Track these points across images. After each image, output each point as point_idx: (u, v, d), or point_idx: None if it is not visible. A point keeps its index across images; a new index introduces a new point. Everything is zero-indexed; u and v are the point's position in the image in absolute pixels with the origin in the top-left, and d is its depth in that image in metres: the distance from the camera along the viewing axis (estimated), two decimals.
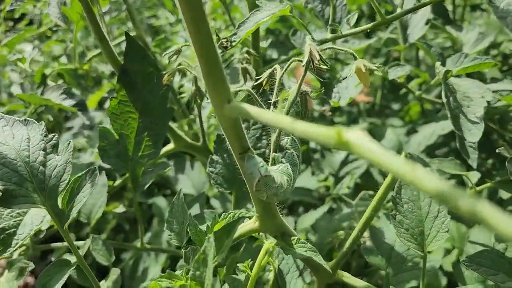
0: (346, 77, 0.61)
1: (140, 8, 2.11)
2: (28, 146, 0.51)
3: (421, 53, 1.54)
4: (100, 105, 1.57)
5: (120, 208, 0.93)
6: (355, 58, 0.50)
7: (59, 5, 1.12)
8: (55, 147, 0.53)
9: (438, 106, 1.49)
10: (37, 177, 0.50)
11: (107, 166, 0.76)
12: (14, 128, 0.53)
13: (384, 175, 1.37)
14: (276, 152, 0.53)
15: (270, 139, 0.65)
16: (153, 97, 0.75)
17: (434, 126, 1.13)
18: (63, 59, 1.72)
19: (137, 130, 0.75)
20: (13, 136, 0.52)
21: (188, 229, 0.50)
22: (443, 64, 0.82)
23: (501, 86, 0.93)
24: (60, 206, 0.51)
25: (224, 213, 0.51)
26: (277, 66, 0.57)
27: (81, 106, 0.97)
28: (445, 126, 1.09)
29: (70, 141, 0.53)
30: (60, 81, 1.23)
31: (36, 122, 0.54)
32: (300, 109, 0.53)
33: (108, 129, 0.75)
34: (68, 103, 0.95)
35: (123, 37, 1.50)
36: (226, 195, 1.32)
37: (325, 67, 0.49)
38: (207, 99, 0.78)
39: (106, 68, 1.57)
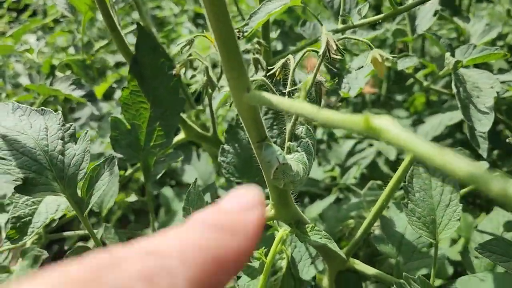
0: (361, 67, 0.61)
1: None
2: (46, 135, 0.52)
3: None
4: (104, 96, 1.57)
5: (132, 197, 0.93)
6: (371, 48, 0.50)
7: None
8: (72, 136, 0.53)
9: (443, 97, 1.49)
10: (56, 165, 0.51)
11: (118, 155, 0.76)
12: (31, 118, 0.53)
13: (389, 165, 1.38)
14: (291, 141, 0.53)
15: (281, 129, 0.65)
16: (164, 87, 0.75)
17: (441, 116, 1.13)
18: (69, 50, 1.73)
19: (149, 120, 0.75)
20: (31, 125, 0.52)
21: None
22: (452, 55, 0.83)
23: (508, 77, 0.93)
24: (79, 194, 0.52)
25: None
26: (290, 56, 0.58)
27: (90, 97, 0.97)
28: (452, 117, 1.10)
29: (87, 131, 0.53)
30: (68, 72, 1.24)
31: (53, 112, 0.54)
32: (315, 99, 0.54)
33: (120, 119, 0.76)
34: (77, 93, 0.96)
35: (129, 29, 1.51)
36: (233, 185, 1.33)
37: (339, 57, 0.50)
38: (218, 89, 0.79)
39: (112, 59, 1.57)
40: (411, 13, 0.97)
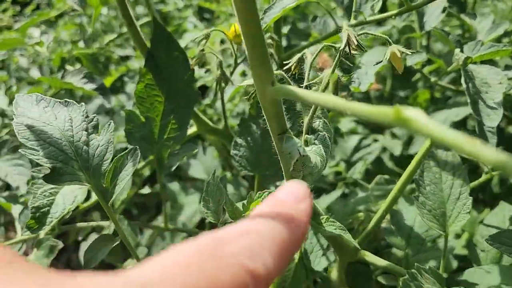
0: (380, 62, 0.62)
1: None
2: (71, 126, 0.53)
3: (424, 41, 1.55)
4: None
5: (146, 189, 0.95)
6: (390, 44, 0.51)
7: None
8: (96, 127, 0.54)
9: (447, 94, 1.50)
10: (81, 156, 0.52)
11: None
12: (55, 109, 0.54)
13: (394, 161, 1.39)
14: (308, 134, 0.55)
15: (294, 123, 0.66)
16: (179, 81, 0.76)
17: (447, 112, 1.15)
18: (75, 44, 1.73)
19: (163, 114, 0.77)
20: (56, 117, 0.53)
21: (224, 207, 0.53)
22: (461, 52, 0.84)
23: None
24: (103, 184, 0.54)
25: (259, 192, 0.53)
26: (306, 51, 0.59)
27: (102, 90, 0.98)
28: (458, 113, 1.11)
29: (110, 122, 0.55)
30: (77, 65, 1.25)
31: (76, 104, 0.56)
32: (332, 93, 0.55)
33: (134, 112, 0.77)
34: (89, 86, 0.97)
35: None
36: (239, 180, 1.34)
37: (358, 52, 0.51)
38: (231, 83, 0.80)
39: (117, 53, 1.58)
40: (419, 9, 0.98)
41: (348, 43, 0.49)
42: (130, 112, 0.77)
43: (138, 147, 0.59)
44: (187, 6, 2.06)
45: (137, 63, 1.56)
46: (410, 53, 0.50)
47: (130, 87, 1.44)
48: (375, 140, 1.39)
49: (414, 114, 0.28)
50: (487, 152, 0.24)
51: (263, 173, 0.78)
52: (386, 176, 0.97)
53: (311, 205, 0.32)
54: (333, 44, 0.54)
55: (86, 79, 0.98)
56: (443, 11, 0.95)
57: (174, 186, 1.43)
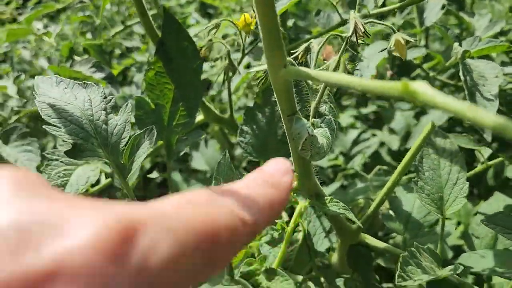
0: (384, 49, 0.65)
1: None
2: (91, 106, 0.56)
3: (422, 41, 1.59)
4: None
5: (154, 174, 0.98)
6: (394, 32, 0.54)
7: None
8: (113, 108, 0.57)
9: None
10: (100, 134, 0.55)
11: None
12: (74, 90, 0.57)
13: (392, 155, 1.43)
14: (315, 118, 0.58)
15: (302, 107, 0.69)
16: (188, 69, 0.79)
17: None
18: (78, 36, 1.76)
19: (172, 101, 0.79)
20: (75, 97, 0.56)
21: None
22: (460, 46, 0.87)
23: (511, 69, 0.98)
24: (121, 161, 0.56)
25: None
26: (313, 40, 0.62)
27: (110, 79, 1.01)
28: None
29: (128, 103, 0.58)
30: (85, 56, 1.27)
31: (95, 85, 0.58)
32: None
33: (144, 99, 0.79)
34: (98, 76, 0.99)
35: (137, 19, 1.54)
36: (241, 171, 1.37)
37: (363, 41, 0.54)
38: (239, 73, 0.83)
39: (128, 44, 1.61)
40: (419, 5, 1.02)
41: (355, 30, 0.52)
42: (140, 99, 0.79)
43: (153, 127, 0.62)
44: (190, 2, 2.09)
45: (141, 57, 1.59)
46: (413, 41, 0.53)
47: (138, 77, 1.47)
48: (374, 135, 1.42)
49: (421, 87, 0.31)
50: (487, 117, 0.27)
51: (268, 159, 0.81)
52: (385, 167, 1.00)
53: (293, 178, 0.38)
54: (339, 34, 0.57)
55: (95, 68, 1.01)
56: (442, 8, 0.99)
57: (176, 176, 1.46)
